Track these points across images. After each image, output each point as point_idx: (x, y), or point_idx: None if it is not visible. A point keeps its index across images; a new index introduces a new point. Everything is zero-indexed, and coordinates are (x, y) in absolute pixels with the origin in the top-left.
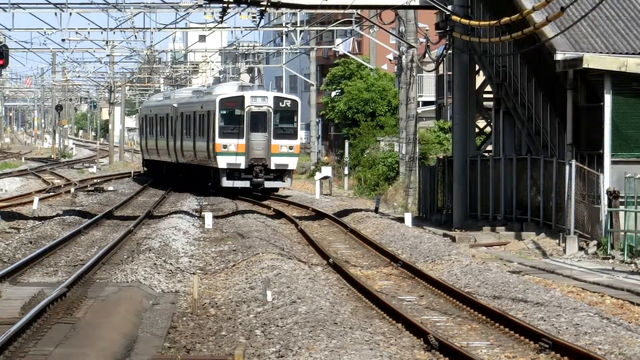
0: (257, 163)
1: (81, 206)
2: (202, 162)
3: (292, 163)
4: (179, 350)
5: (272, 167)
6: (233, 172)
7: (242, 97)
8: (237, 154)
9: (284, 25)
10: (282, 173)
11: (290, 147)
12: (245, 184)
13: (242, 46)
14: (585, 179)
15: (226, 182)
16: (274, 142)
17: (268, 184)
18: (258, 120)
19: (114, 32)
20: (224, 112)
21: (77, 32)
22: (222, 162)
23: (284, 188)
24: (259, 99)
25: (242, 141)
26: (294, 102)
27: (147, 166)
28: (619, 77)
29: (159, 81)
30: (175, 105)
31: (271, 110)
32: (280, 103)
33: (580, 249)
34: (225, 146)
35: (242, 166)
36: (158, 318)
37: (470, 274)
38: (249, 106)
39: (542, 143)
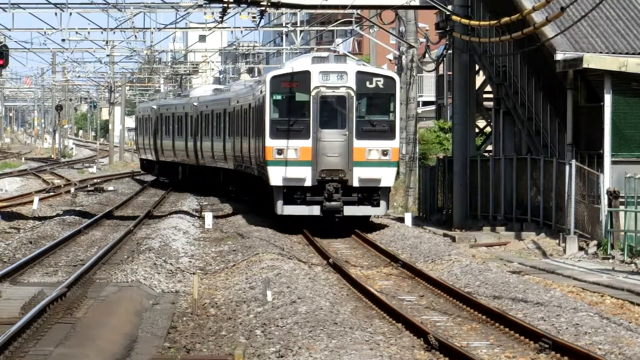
0: (331, 177)
1: (81, 206)
2: (255, 170)
3: (386, 177)
4: (179, 350)
5: (355, 183)
6: (293, 192)
7: (307, 74)
8: (299, 164)
9: (284, 25)
10: (371, 193)
11: (385, 152)
12: (313, 210)
13: (242, 46)
14: (585, 179)
15: (283, 208)
16: (357, 143)
17: (349, 211)
18: (332, 110)
19: (114, 32)
20: (279, 97)
21: (77, 32)
22: (276, 177)
23: (377, 217)
24: (334, 76)
25: (308, 143)
26: (390, 80)
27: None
28: (619, 77)
29: (159, 81)
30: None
31: (353, 93)
32: (368, 82)
33: (580, 249)
34: (280, 151)
35: (308, 182)
36: (158, 318)
37: (470, 274)
38: (317, 87)
39: (542, 143)
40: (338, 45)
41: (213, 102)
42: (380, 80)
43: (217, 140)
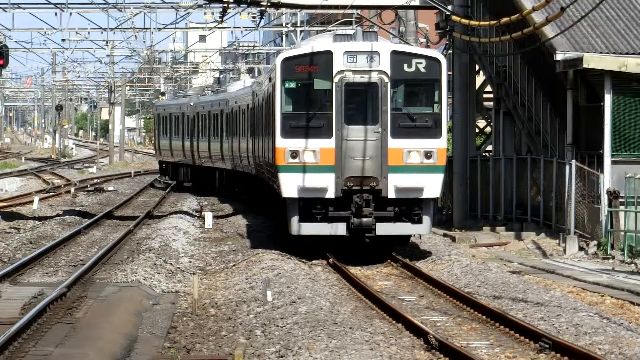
0: (359, 187)
1: (81, 206)
2: (269, 177)
3: (430, 185)
4: (179, 350)
5: (391, 194)
6: (312, 206)
7: (328, 55)
8: (319, 169)
9: (284, 25)
10: (411, 206)
11: (428, 154)
12: (338, 229)
13: (242, 46)
14: (585, 179)
15: (299, 227)
16: (393, 143)
17: (383, 229)
18: (361, 101)
19: (114, 32)
20: (292, 85)
21: (77, 32)
22: (290, 186)
23: (418, 236)
24: (362, 58)
25: (330, 143)
26: (434, 62)
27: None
28: (619, 77)
29: (159, 81)
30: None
31: (387, 79)
32: (406, 65)
33: (580, 249)
34: (295, 153)
35: (330, 193)
36: (158, 318)
37: (470, 274)
38: (341, 72)
39: (542, 143)
40: None
41: (241, 97)
42: (421, 63)
43: (242, 140)
